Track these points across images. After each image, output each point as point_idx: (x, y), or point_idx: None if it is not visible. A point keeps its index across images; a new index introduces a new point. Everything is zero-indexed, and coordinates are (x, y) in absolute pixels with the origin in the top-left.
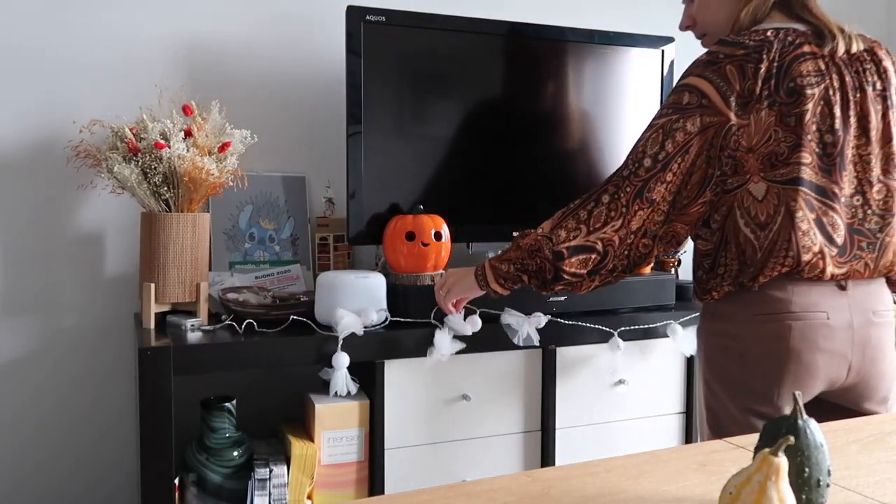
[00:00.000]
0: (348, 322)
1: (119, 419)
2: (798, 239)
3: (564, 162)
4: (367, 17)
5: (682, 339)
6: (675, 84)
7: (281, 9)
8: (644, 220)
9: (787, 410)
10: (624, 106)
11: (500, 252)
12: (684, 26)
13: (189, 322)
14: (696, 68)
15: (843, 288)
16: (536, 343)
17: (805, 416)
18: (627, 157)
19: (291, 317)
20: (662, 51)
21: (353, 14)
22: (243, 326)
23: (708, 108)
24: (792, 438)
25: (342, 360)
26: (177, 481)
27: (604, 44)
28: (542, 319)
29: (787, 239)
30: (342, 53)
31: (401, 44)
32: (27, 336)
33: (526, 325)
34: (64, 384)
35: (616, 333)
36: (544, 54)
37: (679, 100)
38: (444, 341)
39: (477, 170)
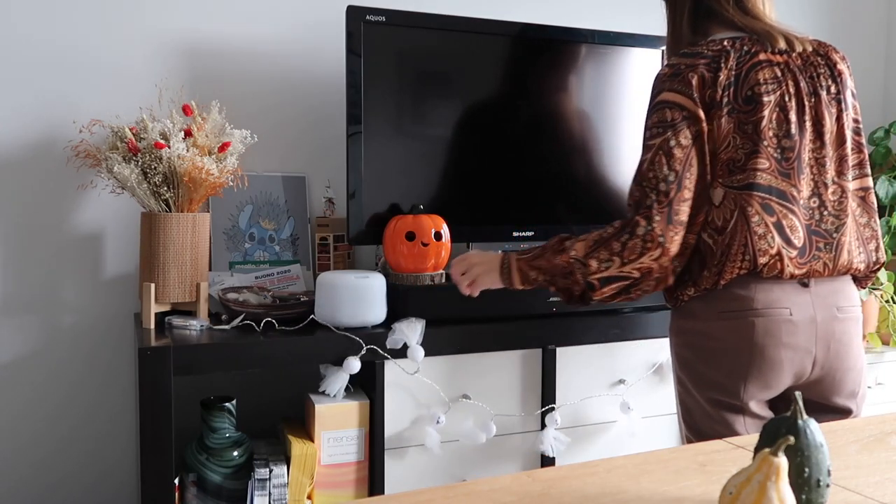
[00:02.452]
0: (400, 336)
1: (119, 419)
2: (754, 243)
3: (564, 162)
4: (367, 17)
5: None
6: (649, 103)
7: (281, 9)
8: (681, 242)
9: (753, 405)
10: (624, 106)
11: (527, 251)
12: None
13: (194, 322)
14: (663, 83)
15: (805, 285)
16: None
17: (805, 416)
18: (641, 185)
19: (291, 317)
20: (662, 51)
21: (353, 14)
22: (262, 325)
23: (689, 118)
24: (792, 438)
25: (353, 365)
26: (177, 481)
27: (604, 44)
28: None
29: (744, 243)
30: (342, 53)
31: (401, 44)
32: (27, 336)
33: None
34: (64, 384)
35: (623, 396)
36: (544, 54)
37: (664, 117)
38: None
39: (477, 170)
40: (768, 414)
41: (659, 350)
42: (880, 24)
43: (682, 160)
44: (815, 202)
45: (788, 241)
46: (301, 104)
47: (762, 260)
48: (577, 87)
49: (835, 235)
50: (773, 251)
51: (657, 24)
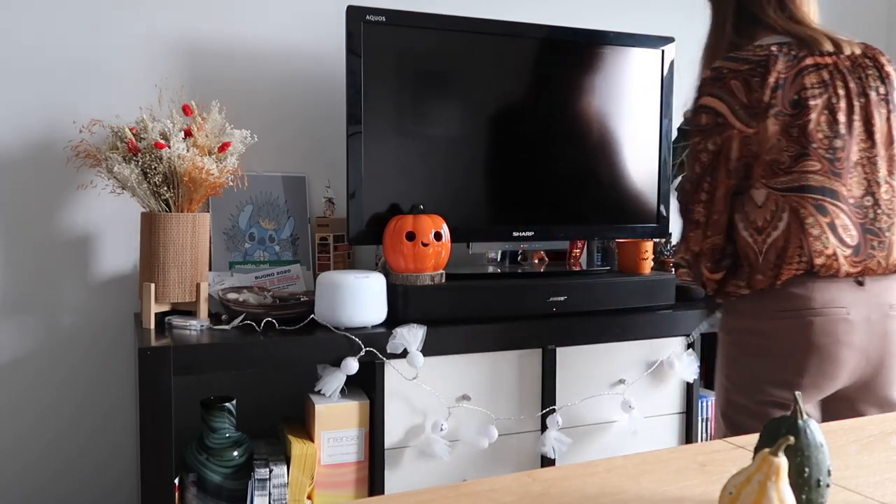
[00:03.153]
0: (402, 340)
1: (119, 419)
2: (810, 244)
3: (564, 161)
4: (367, 17)
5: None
6: (693, 103)
7: (281, 9)
8: (699, 240)
9: (810, 405)
10: (624, 106)
11: None
12: None
13: (194, 322)
14: (704, 87)
15: (861, 284)
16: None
17: (805, 416)
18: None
19: (291, 317)
20: (662, 51)
21: (353, 14)
22: (262, 325)
23: (722, 125)
24: (792, 438)
25: (351, 366)
26: (177, 481)
27: (604, 44)
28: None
29: (799, 245)
30: (342, 53)
31: (401, 44)
32: (27, 336)
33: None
34: (63, 384)
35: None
36: (544, 54)
37: (699, 121)
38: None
39: (477, 170)
40: (817, 415)
41: (659, 350)
42: (880, 22)
43: (706, 164)
44: (868, 201)
45: (842, 241)
46: (301, 104)
47: (818, 261)
48: (578, 86)
49: (887, 234)
50: (829, 251)
51: (657, 24)
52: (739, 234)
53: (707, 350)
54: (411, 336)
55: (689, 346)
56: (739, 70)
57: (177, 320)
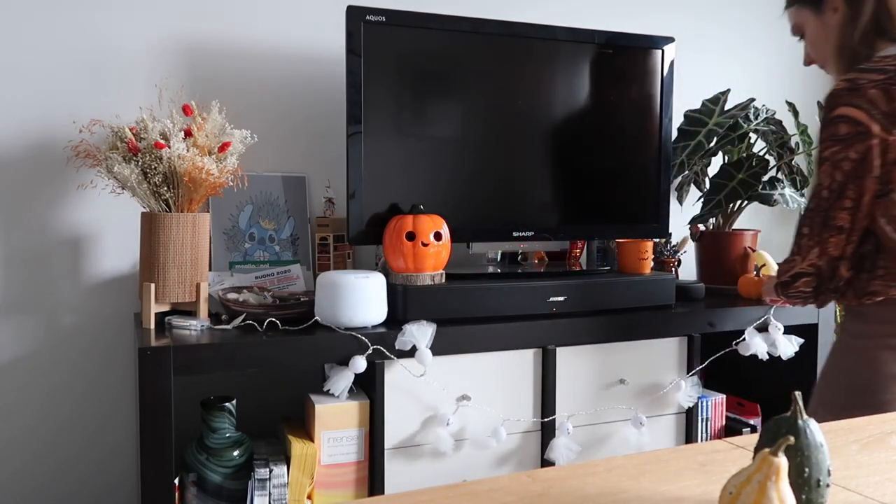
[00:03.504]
0: (411, 336)
1: (119, 419)
2: None
3: (564, 161)
4: (367, 17)
5: (684, 396)
6: (824, 117)
7: (281, 9)
8: (841, 245)
9: None
10: (624, 106)
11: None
12: (806, 62)
13: (194, 322)
14: (840, 98)
15: None
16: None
17: (805, 416)
18: (811, 195)
19: (291, 317)
20: (662, 51)
21: (353, 14)
22: (264, 325)
23: (864, 134)
24: (792, 438)
25: (359, 364)
26: (177, 481)
27: (604, 44)
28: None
29: None
30: (342, 53)
31: (401, 44)
32: (26, 336)
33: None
34: (64, 383)
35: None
36: (544, 54)
37: (837, 131)
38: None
39: (477, 170)
40: None
41: (659, 350)
42: None
43: (849, 172)
44: None
45: None
46: (301, 104)
47: None
48: (578, 87)
49: None
50: None
51: (657, 24)
52: (887, 236)
53: (708, 350)
54: (420, 333)
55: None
56: (877, 80)
57: (177, 320)
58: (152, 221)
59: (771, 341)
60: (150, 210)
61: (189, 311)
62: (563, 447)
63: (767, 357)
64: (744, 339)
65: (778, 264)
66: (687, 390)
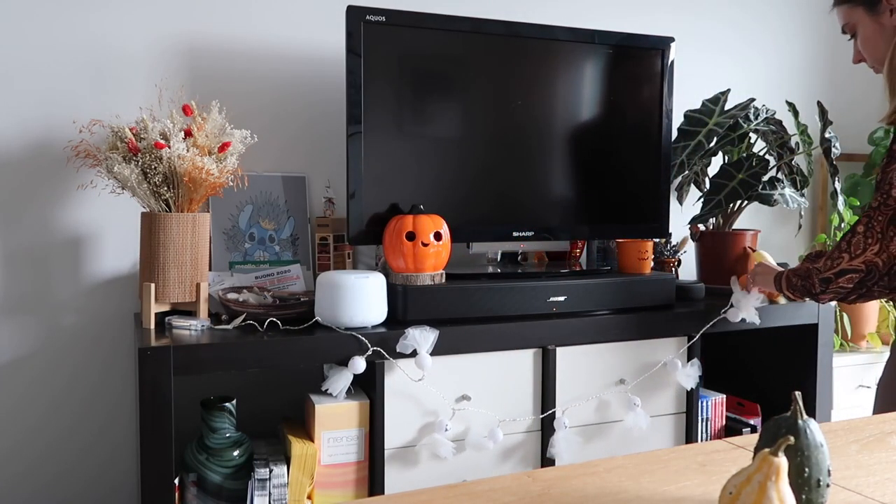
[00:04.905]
0: (413, 340)
1: (119, 419)
2: None
3: (564, 162)
4: (367, 17)
5: (683, 374)
6: None
7: (281, 9)
8: None
9: None
10: (624, 106)
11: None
12: (856, 60)
13: (194, 322)
14: None
15: None
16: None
17: (805, 416)
18: (876, 191)
19: (291, 317)
20: (662, 51)
21: (353, 14)
22: (265, 325)
23: None
24: (792, 438)
25: (359, 365)
26: (177, 481)
27: (604, 44)
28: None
29: None
30: (342, 53)
31: (401, 44)
32: (26, 336)
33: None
34: (64, 384)
35: (629, 393)
36: (544, 54)
37: None
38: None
39: (477, 170)
40: None
41: (659, 350)
42: None
43: None
44: None
45: None
46: (301, 104)
47: None
48: (578, 87)
49: None
50: None
51: (657, 24)
52: None
53: (708, 351)
54: (422, 338)
55: (690, 349)
56: None
57: (177, 320)
58: (152, 221)
59: (758, 299)
60: (150, 210)
61: (189, 311)
62: (563, 440)
63: (759, 321)
64: (731, 307)
65: (810, 260)
66: (686, 369)
